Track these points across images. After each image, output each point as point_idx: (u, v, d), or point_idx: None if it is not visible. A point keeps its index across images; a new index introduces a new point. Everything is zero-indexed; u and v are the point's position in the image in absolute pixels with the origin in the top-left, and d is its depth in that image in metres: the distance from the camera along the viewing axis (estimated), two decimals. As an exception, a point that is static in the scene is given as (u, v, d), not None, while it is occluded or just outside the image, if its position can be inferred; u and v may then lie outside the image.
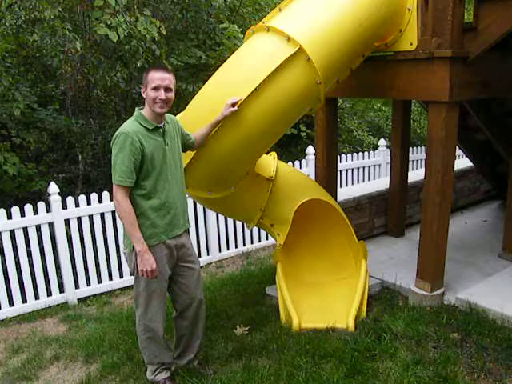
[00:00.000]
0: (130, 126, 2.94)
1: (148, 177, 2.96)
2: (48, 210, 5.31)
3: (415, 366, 3.23)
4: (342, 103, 10.97)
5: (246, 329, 3.93)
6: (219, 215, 6.16)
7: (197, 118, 3.42)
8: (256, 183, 4.06)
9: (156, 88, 2.93)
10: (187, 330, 3.35)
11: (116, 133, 2.94)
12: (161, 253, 3.05)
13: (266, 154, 4.22)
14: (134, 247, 2.99)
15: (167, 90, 2.96)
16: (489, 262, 4.83)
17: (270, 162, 4.24)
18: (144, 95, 3.00)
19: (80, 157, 7.84)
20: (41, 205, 5.25)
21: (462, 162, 6.85)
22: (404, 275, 4.44)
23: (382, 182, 6.10)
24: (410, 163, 7.59)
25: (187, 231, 3.30)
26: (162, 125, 3.03)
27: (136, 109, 3.07)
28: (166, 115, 3.13)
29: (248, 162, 3.72)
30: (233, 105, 3.27)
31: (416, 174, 6.22)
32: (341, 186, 7.30)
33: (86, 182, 8.06)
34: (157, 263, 2.99)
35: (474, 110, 5.22)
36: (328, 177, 5.05)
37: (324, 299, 4.17)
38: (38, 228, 5.25)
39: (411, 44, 3.90)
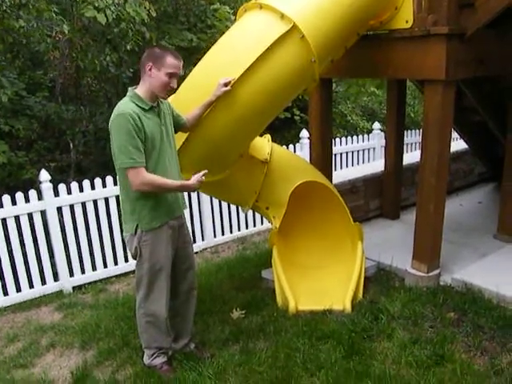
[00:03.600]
0: (126, 106, 2.86)
1: (149, 157, 2.90)
2: (40, 198, 5.24)
3: (412, 346, 3.24)
4: (335, 87, 10.90)
5: (243, 312, 3.91)
6: (213, 200, 6.11)
7: (189, 99, 3.35)
8: (251, 166, 4.01)
9: (172, 75, 2.87)
10: (178, 310, 3.33)
11: (112, 116, 2.85)
12: (165, 234, 3.02)
13: (260, 136, 4.18)
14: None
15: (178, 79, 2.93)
16: (484, 242, 4.82)
17: (264, 145, 4.19)
18: (150, 73, 2.87)
19: (71, 145, 7.75)
20: (32, 193, 5.19)
21: (457, 144, 6.83)
22: (400, 257, 4.43)
23: (377, 165, 6.07)
24: (405, 146, 7.57)
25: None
26: (156, 104, 2.97)
27: (129, 89, 2.98)
28: None
29: (242, 144, 3.68)
30: (225, 84, 3.21)
31: (411, 157, 6.20)
32: (335, 170, 7.26)
33: (78, 170, 7.98)
34: (161, 244, 2.99)
35: (468, 90, 5.19)
36: (323, 159, 5.01)
37: (320, 282, 4.15)
38: (30, 216, 5.18)
39: (407, 22, 3.84)
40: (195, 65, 3.55)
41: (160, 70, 2.85)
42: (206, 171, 3.03)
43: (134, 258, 3.09)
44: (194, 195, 6.03)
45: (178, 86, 3.19)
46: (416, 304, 3.70)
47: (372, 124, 8.62)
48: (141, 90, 2.93)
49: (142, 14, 5.89)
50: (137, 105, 2.87)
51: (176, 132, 3.25)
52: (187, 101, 3.38)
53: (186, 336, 3.41)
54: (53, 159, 7.68)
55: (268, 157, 4.09)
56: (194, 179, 2.97)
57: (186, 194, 5.72)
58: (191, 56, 7.42)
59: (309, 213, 4.51)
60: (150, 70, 2.87)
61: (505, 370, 2.97)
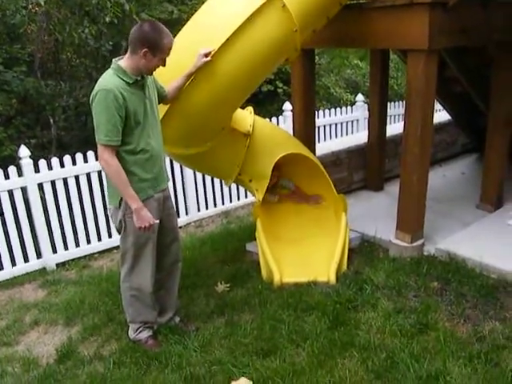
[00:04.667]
0: (109, 80, 2.78)
1: (132, 132, 2.85)
2: (20, 174, 5.14)
3: (397, 315, 3.27)
4: (318, 60, 10.80)
5: (228, 286, 3.91)
6: (197, 174, 6.06)
7: (169, 70, 3.26)
8: (233, 139, 3.95)
9: (164, 60, 2.84)
10: (162, 282, 3.32)
11: (95, 89, 2.77)
12: (150, 207, 2.97)
13: (242, 108, 4.12)
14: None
15: None
16: (467, 212, 4.84)
17: (246, 117, 4.13)
18: (144, 57, 2.78)
19: (52, 120, 7.59)
20: (12, 169, 5.08)
21: (440, 116, 6.83)
22: (384, 228, 4.43)
23: (360, 137, 6.05)
24: (388, 118, 7.54)
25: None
26: (140, 77, 2.89)
27: (113, 60, 2.89)
28: None
29: (224, 115, 3.61)
30: (206, 55, 3.14)
31: (394, 128, 6.18)
32: (319, 143, 7.22)
33: (59, 146, 7.83)
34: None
35: (451, 60, 5.16)
36: (306, 131, 4.97)
37: (305, 254, 4.15)
38: (11, 194, 5.09)
39: (390, -9, 3.78)
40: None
41: (155, 56, 2.80)
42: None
43: (119, 231, 3.05)
44: (177, 169, 5.97)
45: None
46: (400, 274, 3.73)
47: (355, 97, 8.57)
48: (126, 64, 2.84)
49: (122, -14, 5.74)
50: (121, 78, 2.80)
51: (158, 103, 3.18)
52: (167, 72, 3.28)
53: (171, 310, 3.40)
54: (33, 136, 7.52)
55: (250, 129, 4.03)
56: (143, 220, 2.88)
57: (168, 167, 5.69)
58: (172, 28, 7.20)
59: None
60: (145, 54, 2.79)
61: (487, 337, 3.02)
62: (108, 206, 3.10)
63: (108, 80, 2.78)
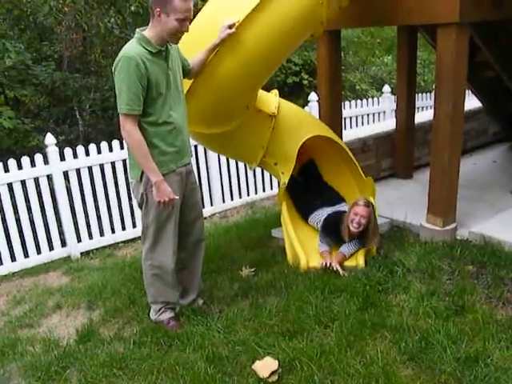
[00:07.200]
0: (132, 48, 2.72)
1: (154, 103, 2.78)
2: (46, 162, 5.15)
3: (430, 298, 3.10)
4: (344, 58, 10.65)
5: (252, 270, 3.80)
6: (222, 165, 5.99)
7: (194, 43, 3.18)
8: (258, 120, 3.85)
9: (182, 20, 2.70)
10: (185, 262, 3.24)
11: (118, 56, 2.71)
12: (172, 180, 2.90)
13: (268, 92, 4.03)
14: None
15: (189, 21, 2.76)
16: (500, 199, 4.64)
17: (271, 99, 4.03)
18: (159, 18, 2.70)
19: (78, 115, 7.64)
20: (38, 157, 5.10)
21: (470, 104, 6.60)
22: (414, 214, 4.25)
23: (388, 124, 5.89)
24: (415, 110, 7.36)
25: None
26: (164, 48, 2.82)
27: (137, 30, 2.82)
28: None
29: (248, 91, 3.51)
30: (230, 27, 3.04)
31: (423, 116, 6.00)
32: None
33: (86, 142, 7.89)
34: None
35: (483, 42, 4.96)
36: (332, 116, 4.84)
37: (332, 238, 4.02)
38: (37, 182, 5.11)
39: (418, -35, 3.64)
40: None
41: (169, 16, 2.68)
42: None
43: (140, 206, 2.98)
44: (201, 159, 5.91)
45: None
46: (432, 257, 3.55)
47: (381, 94, 8.38)
48: (150, 32, 2.78)
49: (146, -25, 5.77)
50: (145, 48, 2.73)
51: (183, 77, 3.10)
52: (192, 45, 3.20)
53: (194, 291, 3.31)
54: (61, 132, 7.59)
55: (275, 110, 3.92)
56: (163, 194, 2.80)
57: (194, 158, 5.63)
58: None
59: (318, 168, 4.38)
60: (159, 15, 2.70)
61: (528, 320, 2.84)
62: (130, 180, 3.03)
63: (131, 48, 2.72)
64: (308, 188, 4.28)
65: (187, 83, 3.21)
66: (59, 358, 2.95)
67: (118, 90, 2.71)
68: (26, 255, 5.08)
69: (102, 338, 3.18)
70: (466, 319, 2.87)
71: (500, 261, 3.45)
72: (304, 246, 3.80)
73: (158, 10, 2.69)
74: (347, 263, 3.67)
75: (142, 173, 2.85)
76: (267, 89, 4.07)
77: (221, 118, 3.53)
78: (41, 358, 3.00)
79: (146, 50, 2.73)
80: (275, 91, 4.17)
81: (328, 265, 3.51)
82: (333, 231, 3.83)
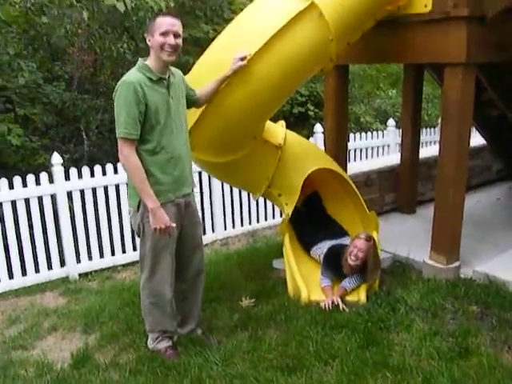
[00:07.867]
0: (132, 74, 2.79)
1: (152, 131, 2.80)
2: (51, 181, 5.15)
3: (433, 337, 3.06)
4: (350, 91, 10.76)
5: (252, 301, 3.75)
6: (225, 193, 5.97)
7: (204, 74, 3.23)
8: (264, 150, 3.87)
9: (165, 33, 2.75)
10: (185, 293, 3.21)
11: (118, 83, 2.77)
12: (169, 211, 2.88)
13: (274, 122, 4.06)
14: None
15: (176, 35, 2.79)
16: (505, 238, 4.62)
17: (278, 130, 4.06)
18: (150, 43, 2.82)
19: (84, 134, 7.66)
20: (43, 176, 5.09)
21: (474, 141, 6.62)
22: (417, 250, 4.24)
23: (392, 158, 5.90)
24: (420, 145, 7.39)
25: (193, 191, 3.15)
26: (166, 76, 2.86)
27: (139, 59, 2.90)
28: (172, 69, 2.98)
29: (256, 122, 3.54)
30: (242, 59, 3.08)
31: (427, 151, 6.01)
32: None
33: (90, 161, 7.91)
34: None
35: (488, 82, 5.02)
36: (337, 149, 4.87)
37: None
38: (40, 200, 5.09)
39: (425, 6, 3.73)
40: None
41: (154, 35, 2.78)
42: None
43: (138, 235, 2.97)
44: (205, 187, 5.90)
45: (187, 73, 3.11)
46: (435, 296, 3.52)
47: (385, 127, 8.42)
48: (149, 60, 2.86)
49: (161, 3, 5.88)
50: (144, 75, 2.79)
51: (188, 108, 3.12)
52: (202, 76, 3.25)
53: (193, 321, 3.27)
54: (66, 150, 7.61)
55: (282, 142, 3.94)
56: (159, 221, 2.79)
57: (197, 185, 5.62)
58: (207, 46, 7.35)
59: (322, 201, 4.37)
60: (149, 40, 2.83)
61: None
62: (128, 208, 3.03)
63: (131, 74, 2.80)
64: (311, 220, 4.26)
65: (195, 112, 3.23)
66: (52, 383, 2.89)
67: (117, 115, 2.75)
68: (24, 273, 5.03)
69: (97, 363, 3.13)
70: (471, 362, 2.83)
71: (505, 302, 3.42)
72: (306, 279, 3.77)
73: (148, 36, 2.83)
74: (349, 298, 3.63)
75: (140, 202, 2.85)
76: (274, 119, 4.10)
77: (228, 147, 3.54)
78: (33, 382, 2.93)
79: (146, 76, 2.79)
80: (282, 122, 4.20)
81: (329, 306, 3.46)
82: (334, 264, 3.80)
